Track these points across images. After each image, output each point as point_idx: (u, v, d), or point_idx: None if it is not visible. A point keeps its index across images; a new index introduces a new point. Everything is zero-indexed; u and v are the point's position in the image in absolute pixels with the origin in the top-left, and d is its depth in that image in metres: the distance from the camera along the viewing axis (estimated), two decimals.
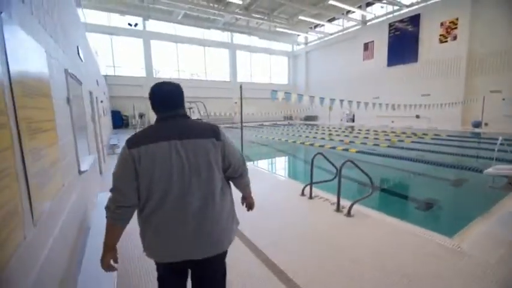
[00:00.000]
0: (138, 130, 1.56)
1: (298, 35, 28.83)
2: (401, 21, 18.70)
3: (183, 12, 20.76)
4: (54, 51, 2.28)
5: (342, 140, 11.46)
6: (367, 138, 12.14)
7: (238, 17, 21.62)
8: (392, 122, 19.67)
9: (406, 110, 14.88)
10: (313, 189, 4.41)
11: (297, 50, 30.64)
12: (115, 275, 1.88)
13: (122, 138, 12.46)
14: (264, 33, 26.12)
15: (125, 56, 22.03)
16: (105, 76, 19.51)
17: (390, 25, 19.41)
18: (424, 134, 12.77)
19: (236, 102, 26.56)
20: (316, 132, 15.59)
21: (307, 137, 13.48)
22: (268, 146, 11.79)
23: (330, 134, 14.30)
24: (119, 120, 20.64)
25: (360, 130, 16.58)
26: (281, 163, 9.16)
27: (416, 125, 17.75)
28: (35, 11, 1.77)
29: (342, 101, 7.88)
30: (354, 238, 2.78)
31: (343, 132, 15.43)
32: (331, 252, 2.52)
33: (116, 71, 21.72)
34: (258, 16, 22.17)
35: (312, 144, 10.53)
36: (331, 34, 25.24)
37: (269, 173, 5.95)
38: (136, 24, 20.44)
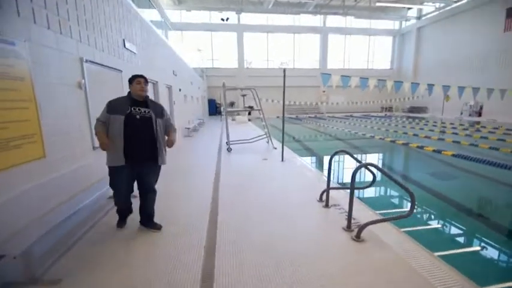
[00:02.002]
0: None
1: (409, 8, 23.77)
2: None
3: (273, 1, 20.78)
4: (54, 43, 2.62)
5: (443, 139, 8.83)
6: (486, 138, 8.88)
7: None
8: None
9: None
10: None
11: (406, 26, 25.46)
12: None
13: (205, 124, 13.50)
14: (362, 11, 22.85)
15: (222, 49, 24.30)
16: (204, 69, 22.15)
17: None
18: None
19: (324, 91, 24.89)
20: (413, 127, 12.65)
21: (395, 131, 11.14)
22: (344, 141, 10.42)
23: (431, 130, 11.30)
24: (213, 108, 23.14)
25: (482, 127, 12.33)
26: (336, 162, 7.65)
27: None
28: (21, 12, 2.12)
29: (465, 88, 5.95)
30: (340, 275, 2.01)
31: (454, 128, 11.86)
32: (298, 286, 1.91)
33: (214, 63, 24.34)
34: None
35: (393, 141, 8.62)
36: (456, 1, 19.48)
37: (310, 170, 5.19)
38: (227, 19, 22.00)
